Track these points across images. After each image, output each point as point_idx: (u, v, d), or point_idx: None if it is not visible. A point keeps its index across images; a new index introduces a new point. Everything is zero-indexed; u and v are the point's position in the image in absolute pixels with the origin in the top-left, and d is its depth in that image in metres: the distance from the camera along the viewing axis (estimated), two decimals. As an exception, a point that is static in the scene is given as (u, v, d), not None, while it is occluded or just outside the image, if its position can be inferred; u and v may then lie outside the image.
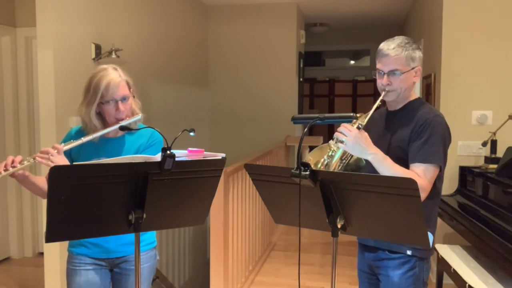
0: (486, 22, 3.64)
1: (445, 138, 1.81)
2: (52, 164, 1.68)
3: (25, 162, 1.72)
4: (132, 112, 1.90)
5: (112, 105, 1.84)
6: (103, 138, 1.91)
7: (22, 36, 4.52)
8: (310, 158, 1.86)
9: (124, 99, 1.85)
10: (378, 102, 1.84)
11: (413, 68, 1.85)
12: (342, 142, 1.74)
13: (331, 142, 1.82)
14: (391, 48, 1.82)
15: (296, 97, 6.40)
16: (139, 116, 1.90)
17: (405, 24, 6.95)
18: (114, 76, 1.84)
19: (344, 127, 1.74)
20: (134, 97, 1.92)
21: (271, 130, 6.10)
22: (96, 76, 1.84)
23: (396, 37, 1.87)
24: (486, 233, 2.67)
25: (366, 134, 1.76)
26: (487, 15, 3.64)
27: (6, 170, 1.69)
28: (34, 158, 1.73)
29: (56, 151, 1.74)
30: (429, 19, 4.50)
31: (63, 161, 1.75)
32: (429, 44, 4.39)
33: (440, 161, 1.77)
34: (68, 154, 1.86)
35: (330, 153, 1.81)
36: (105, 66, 1.90)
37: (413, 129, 1.81)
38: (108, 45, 3.60)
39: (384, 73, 1.84)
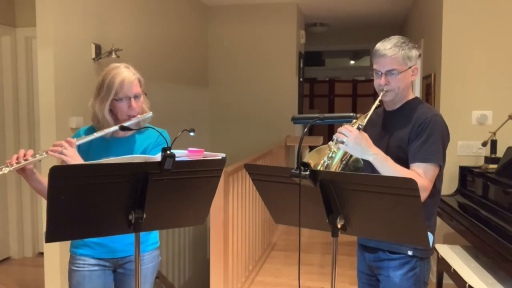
0: (486, 22, 3.64)
1: (444, 137, 1.81)
2: (65, 157, 1.72)
3: (37, 155, 1.72)
4: (142, 110, 1.94)
5: (125, 102, 1.87)
6: (113, 137, 1.93)
7: (22, 36, 4.52)
8: (310, 161, 1.85)
9: (136, 96, 1.89)
10: (376, 103, 1.84)
11: (410, 67, 1.84)
12: (342, 142, 1.73)
13: (331, 143, 1.82)
14: (388, 48, 1.81)
15: (296, 97, 6.40)
16: (150, 113, 1.94)
17: (405, 24, 6.95)
18: (128, 74, 1.88)
19: (344, 128, 1.74)
20: (146, 94, 1.95)
21: (271, 130, 6.11)
22: (110, 74, 1.87)
23: (392, 36, 1.87)
24: (486, 233, 2.67)
25: (366, 134, 1.76)
26: (487, 15, 3.64)
27: (18, 162, 1.69)
28: (46, 152, 1.73)
29: (69, 144, 1.75)
30: (429, 19, 4.50)
31: (76, 154, 1.76)
32: (429, 44, 4.39)
33: (440, 160, 1.78)
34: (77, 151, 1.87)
35: (330, 155, 1.80)
36: (117, 64, 1.93)
37: (412, 128, 1.81)
38: (108, 45, 3.60)
39: (381, 73, 1.84)
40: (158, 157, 1.50)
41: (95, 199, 1.46)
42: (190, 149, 1.61)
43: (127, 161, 1.53)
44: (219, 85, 6.33)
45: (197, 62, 5.99)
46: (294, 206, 1.52)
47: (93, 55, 3.49)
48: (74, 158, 1.74)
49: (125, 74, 1.87)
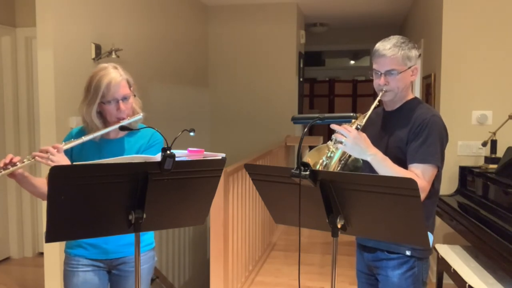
0: (486, 22, 3.64)
1: (443, 138, 1.81)
2: (52, 163, 1.68)
3: (25, 160, 1.71)
4: (133, 111, 1.89)
5: (113, 104, 1.83)
6: (104, 139, 1.90)
7: (22, 36, 4.52)
8: (308, 159, 1.85)
9: (125, 98, 1.84)
10: (376, 102, 1.84)
11: (409, 67, 1.84)
12: (341, 143, 1.73)
13: (329, 143, 1.82)
14: (387, 48, 1.82)
15: (296, 97, 6.40)
16: (140, 115, 1.89)
17: (405, 24, 6.95)
18: (115, 76, 1.82)
19: (343, 128, 1.74)
20: (134, 96, 1.91)
21: (271, 130, 6.11)
22: (96, 76, 1.83)
23: (392, 36, 1.87)
24: (486, 233, 2.67)
25: (364, 135, 1.76)
26: (487, 15, 3.63)
27: (5, 168, 1.68)
28: (33, 157, 1.72)
29: (56, 150, 1.73)
30: (429, 19, 4.50)
31: (63, 160, 1.74)
32: (429, 44, 4.39)
33: (438, 161, 1.78)
34: (69, 155, 1.84)
35: (329, 154, 1.80)
36: (105, 65, 1.88)
37: (410, 129, 1.81)
38: (108, 45, 3.60)
39: (381, 74, 1.84)
40: (158, 157, 1.50)
41: (95, 199, 1.46)
42: (190, 149, 1.61)
43: (127, 161, 1.53)
44: (219, 85, 6.33)
45: (197, 62, 5.99)
46: (294, 206, 1.52)
47: (93, 55, 3.49)
48: (61, 163, 1.69)
49: (112, 75, 1.82)
